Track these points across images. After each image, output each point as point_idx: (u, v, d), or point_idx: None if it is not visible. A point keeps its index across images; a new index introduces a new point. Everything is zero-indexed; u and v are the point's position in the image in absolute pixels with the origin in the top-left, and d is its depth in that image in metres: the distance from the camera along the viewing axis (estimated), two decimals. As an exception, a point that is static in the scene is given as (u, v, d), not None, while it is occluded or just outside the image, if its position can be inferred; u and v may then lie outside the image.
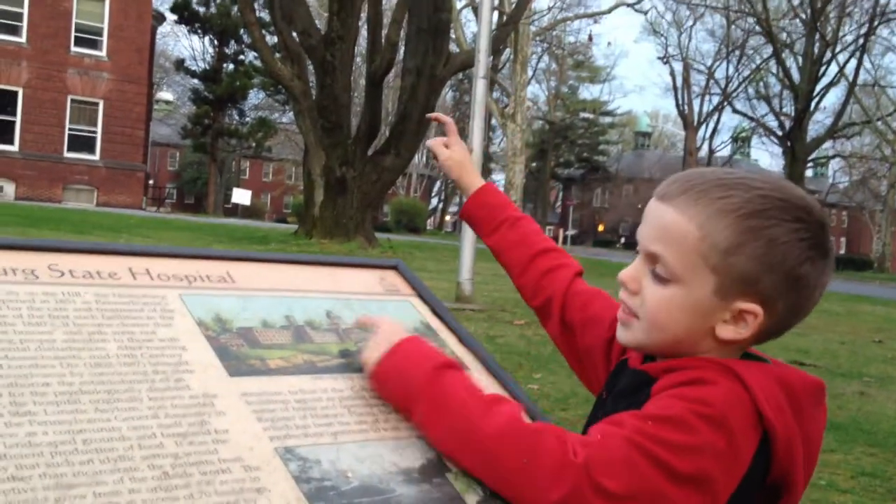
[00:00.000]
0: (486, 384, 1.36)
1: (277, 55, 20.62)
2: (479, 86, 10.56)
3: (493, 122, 46.96)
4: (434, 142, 1.78)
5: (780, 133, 46.50)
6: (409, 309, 1.53)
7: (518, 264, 1.62)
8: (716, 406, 1.09)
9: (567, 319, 1.54)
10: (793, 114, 44.82)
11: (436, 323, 1.52)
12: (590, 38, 49.32)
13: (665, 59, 55.69)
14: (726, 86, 52.64)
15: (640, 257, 1.24)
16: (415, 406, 1.19)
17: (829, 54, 43.64)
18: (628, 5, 39.47)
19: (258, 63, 42.79)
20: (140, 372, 1.13)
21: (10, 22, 32.33)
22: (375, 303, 1.50)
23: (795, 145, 42.47)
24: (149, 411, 1.07)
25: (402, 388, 1.22)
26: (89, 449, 0.99)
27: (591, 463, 1.05)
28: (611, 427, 1.11)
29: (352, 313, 1.44)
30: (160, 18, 42.57)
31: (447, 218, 67.06)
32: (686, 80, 55.36)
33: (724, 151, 63.16)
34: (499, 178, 69.69)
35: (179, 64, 55.81)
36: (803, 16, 43.77)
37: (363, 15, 20.80)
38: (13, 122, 32.55)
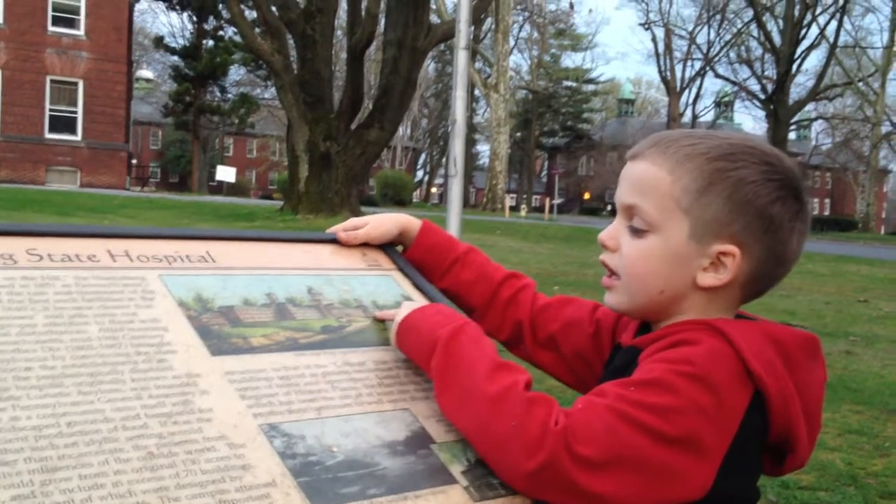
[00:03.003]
0: None
1: (257, 30, 20.44)
2: (461, 56, 10.47)
3: (476, 92, 46.78)
4: (349, 237, 1.57)
5: (762, 96, 46.55)
6: (392, 284, 1.53)
7: (481, 303, 1.56)
8: (697, 364, 1.09)
9: (541, 336, 1.51)
10: (775, 77, 44.86)
11: (418, 297, 1.52)
12: (571, 6, 49.10)
13: (647, 26, 55.62)
14: (708, 50, 52.69)
15: (619, 215, 1.27)
16: (430, 358, 1.21)
17: (809, 16, 43.66)
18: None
19: (238, 38, 42.47)
20: (122, 354, 1.13)
21: (-15, 3, 31.91)
22: (357, 279, 1.50)
23: (778, 108, 42.55)
24: (132, 392, 1.08)
25: (423, 339, 1.24)
26: (73, 432, 0.99)
27: (568, 431, 1.05)
28: (593, 397, 1.12)
29: (333, 289, 1.44)
30: (137, -5, 42.10)
31: (433, 190, 66.95)
32: (668, 45, 55.28)
33: (708, 116, 63.23)
34: (483, 148, 69.68)
35: (158, 41, 55.13)
36: (784, -22, 43.66)
37: (342, -13, 20.62)
38: (-8, 105, 32.23)
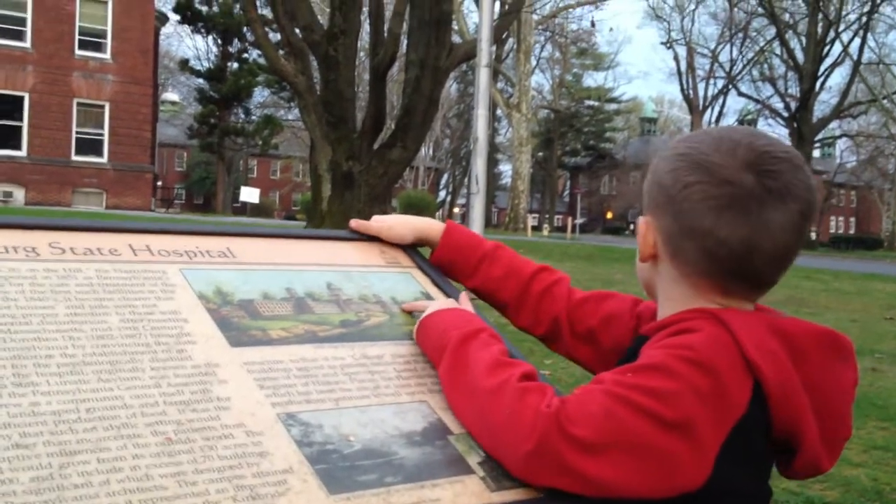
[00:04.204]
0: None
1: (281, 52, 20.62)
2: (483, 75, 10.54)
3: (499, 112, 46.92)
4: (359, 224, 1.63)
5: (785, 114, 46.32)
6: (410, 281, 1.53)
7: (513, 298, 1.55)
8: (697, 349, 1.08)
9: (580, 330, 1.51)
10: (798, 95, 44.65)
11: (436, 294, 1.52)
12: (592, 24, 49.12)
13: (668, 44, 55.55)
14: (731, 68, 52.44)
15: None
16: (442, 358, 1.25)
17: (832, 34, 43.46)
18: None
19: (262, 60, 42.81)
20: (142, 343, 1.14)
21: (14, 27, 32.35)
22: (376, 275, 1.51)
23: (802, 126, 42.31)
24: (151, 381, 1.09)
25: (437, 339, 1.28)
26: (92, 417, 1.00)
27: (562, 413, 1.05)
28: (591, 384, 1.12)
29: (352, 285, 1.45)
30: (163, 19, 42.59)
31: (455, 210, 67.02)
32: (690, 64, 55.19)
33: (731, 135, 62.73)
34: (506, 168, 69.74)
35: (184, 64, 55.71)
36: (806, -5, 43.56)
37: (365, 9, 20.77)
38: (20, 128, 32.60)
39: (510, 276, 1.55)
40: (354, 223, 1.61)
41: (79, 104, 33.82)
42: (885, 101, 48.87)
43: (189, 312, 1.23)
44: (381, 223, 1.61)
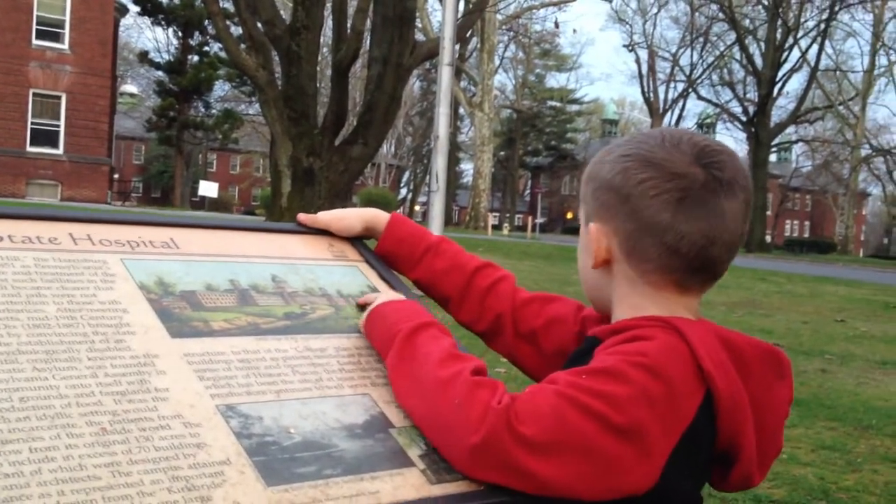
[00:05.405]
0: None
1: (242, 46, 20.45)
2: (445, 73, 10.50)
3: (461, 111, 46.98)
4: (307, 218, 1.62)
5: (744, 119, 46.93)
6: (357, 275, 1.53)
7: (456, 292, 1.54)
8: (651, 356, 1.09)
9: (523, 330, 1.51)
10: (756, 99, 45.24)
11: (383, 289, 1.52)
12: (556, 25, 49.25)
13: (630, 47, 55.95)
14: (691, 72, 52.94)
15: None
16: (390, 349, 1.24)
17: (791, 40, 44.13)
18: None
19: (223, 54, 42.41)
20: (80, 333, 1.12)
21: (-32, 15, 31.78)
22: (323, 268, 1.50)
23: (759, 130, 42.90)
24: (88, 371, 1.07)
25: (385, 330, 1.27)
26: (26, 406, 0.98)
27: (511, 410, 1.05)
28: (544, 384, 1.12)
29: (298, 278, 1.44)
30: (123, 10, 41.98)
31: (416, 208, 66.92)
32: (651, 67, 55.66)
33: (691, 138, 63.16)
34: (467, 167, 69.83)
35: (143, 56, 55.07)
36: (766, 2, 44.16)
37: (328, 4, 20.68)
38: (-26, 118, 32.04)
39: (454, 270, 1.55)
40: (302, 217, 1.59)
41: (35, 95, 33.28)
42: (840, 108, 49.79)
43: (129, 303, 1.22)
44: (330, 214, 1.60)
